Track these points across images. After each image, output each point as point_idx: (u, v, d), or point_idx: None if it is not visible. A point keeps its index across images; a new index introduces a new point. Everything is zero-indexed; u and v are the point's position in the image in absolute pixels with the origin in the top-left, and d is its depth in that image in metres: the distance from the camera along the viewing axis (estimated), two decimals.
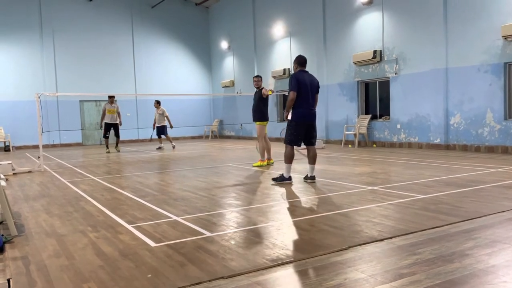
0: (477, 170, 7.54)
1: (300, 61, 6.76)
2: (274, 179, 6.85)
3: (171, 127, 15.47)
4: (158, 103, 15.42)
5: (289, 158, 6.67)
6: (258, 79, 9.40)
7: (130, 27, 20.79)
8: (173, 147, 15.36)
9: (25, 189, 7.17)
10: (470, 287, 2.60)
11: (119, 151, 14.93)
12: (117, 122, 14.70)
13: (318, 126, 15.87)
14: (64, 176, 8.73)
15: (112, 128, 14.65)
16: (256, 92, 9.32)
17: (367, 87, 14.49)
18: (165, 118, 15.27)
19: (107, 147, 14.82)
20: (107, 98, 14.68)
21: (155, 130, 15.59)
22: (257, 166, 9.12)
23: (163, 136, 15.58)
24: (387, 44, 13.14)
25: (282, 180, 6.70)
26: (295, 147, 6.77)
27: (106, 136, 14.72)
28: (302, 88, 6.49)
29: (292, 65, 6.95)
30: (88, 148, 18.13)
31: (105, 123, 14.55)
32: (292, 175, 6.96)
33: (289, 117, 6.67)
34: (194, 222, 4.42)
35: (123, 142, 18.69)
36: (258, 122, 9.25)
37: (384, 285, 2.67)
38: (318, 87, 6.82)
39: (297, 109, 6.56)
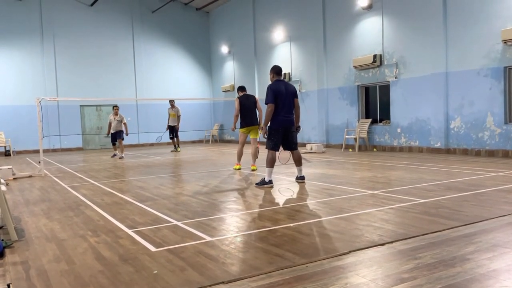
0: (477, 174, 7.53)
1: (276, 71, 7.05)
2: (257, 184, 7.01)
3: (127, 134, 14.54)
4: (118, 109, 14.54)
5: (270, 163, 6.92)
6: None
7: (131, 31, 20.85)
8: (120, 157, 13.99)
9: (25, 193, 7.16)
10: None
11: (179, 151, 15.81)
12: (175, 124, 15.82)
13: (319, 130, 16.10)
14: (65, 180, 8.73)
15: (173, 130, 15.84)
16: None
17: (367, 91, 14.50)
18: (123, 124, 14.42)
19: (174, 146, 16.03)
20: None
21: (111, 137, 14.61)
22: (236, 169, 9.45)
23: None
24: (387, 48, 13.17)
25: (263, 184, 6.89)
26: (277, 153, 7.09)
27: (171, 137, 15.99)
28: (279, 97, 6.80)
29: (269, 75, 7.24)
30: (88, 152, 18.14)
31: (169, 125, 15.84)
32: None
33: (266, 133, 7.06)
34: (194, 227, 4.41)
35: (124, 147, 18.71)
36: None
37: None
38: (295, 93, 7.08)
39: (275, 117, 6.88)
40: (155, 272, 3.13)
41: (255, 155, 9.29)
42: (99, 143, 20.33)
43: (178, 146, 16.12)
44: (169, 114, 15.94)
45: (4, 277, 3.17)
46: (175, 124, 15.89)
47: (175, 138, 16.04)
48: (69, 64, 19.42)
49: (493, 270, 2.91)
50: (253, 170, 9.14)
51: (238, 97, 9.31)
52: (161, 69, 21.60)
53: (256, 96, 9.63)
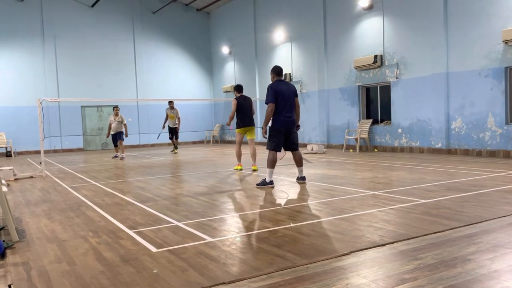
0: (478, 174, 7.52)
1: (277, 71, 7.06)
2: (257, 184, 7.00)
3: (126, 135, 14.46)
4: (118, 110, 14.44)
5: (271, 163, 6.90)
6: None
7: (132, 32, 20.87)
8: (121, 158, 14.03)
9: (26, 194, 7.17)
10: None
11: (175, 152, 15.84)
12: (176, 126, 15.79)
13: (320, 130, 16.10)
14: (66, 181, 8.74)
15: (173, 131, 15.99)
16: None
17: (368, 91, 14.50)
18: (123, 126, 14.34)
19: (175, 147, 16.22)
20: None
21: (111, 138, 14.59)
22: (237, 169, 9.46)
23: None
24: (388, 49, 13.17)
25: (264, 185, 6.88)
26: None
27: (170, 138, 16.09)
28: (280, 97, 6.78)
29: (270, 75, 7.23)
30: (89, 153, 18.16)
31: (169, 126, 15.87)
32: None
33: (267, 133, 7.04)
34: (195, 227, 4.41)
35: (124, 147, 18.74)
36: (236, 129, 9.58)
37: None
38: (296, 92, 7.08)
39: (276, 117, 6.85)
40: (155, 271, 3.13)
41: (254, 155, 9.35)
42: (100, 144, 20.33)
43: (176, 148, 16.14)
44: (167, 115, 15.84)
45: (5, 278, 3.17)
46: (176, 126, 15.90)
47: (174, 139, 16.06)
48: (70, 65, 19.44)
49: (494, 271, 2.91)
50: (254, 170, 9.17)
51: (235, 98, 9.36)
52: (162, 70, 21.62)
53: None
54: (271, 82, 7.07)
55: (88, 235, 4.28)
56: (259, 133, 17.80)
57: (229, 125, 9.79)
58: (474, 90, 10.93)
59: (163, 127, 16.07)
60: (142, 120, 21.06)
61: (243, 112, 9.24)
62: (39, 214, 5.46)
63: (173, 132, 15.94)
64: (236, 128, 9.40)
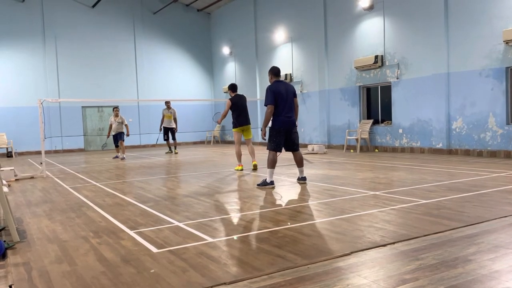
0: (479, 175, 7.52)
1: (275, 72, 7.07)
2: (258, 185, 7.00)
3: (128, 135, 14.46)
4: (118, 110, 14.39)
5: (271, 164, 6.90)
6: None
7: (132, 33, 20.89)
8: (122, 158, 14.04)
9: (27, 195, 7.18)
10: None
11: (176, 153, 15.70)
12: (173, 126, 15.79)
13: (321, 131, 16.08)
14: (66, 182, 8.74)
15: (169, 132, 15.81)
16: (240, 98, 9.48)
17: (368, 92, 14.50)
18: (124, 126, 14.32)
19: (170, 148, 16.09)
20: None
21: (112, 138, 14.63)
22: (238, 170, 9.46)
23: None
24: (389, 49, 13.16)
25: (265, 185, 6.87)
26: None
27: (165, 139, 15.95)
28: (279, 98, 6.78)
29: (268, 76, 7.25)
30: (90, 153, 18.16)
31: (164, 127, 15.75)
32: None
33: (266, 135, 7.05)
34: (196, 228, 4.41)
35: (125, 148, 18.73)
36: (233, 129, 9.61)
37: None
38: (295, 92, 7.07)
39: (276, 118, 6.85)
40: (152, 271, 3.14)
41: (253, 153, 9.50)
42: (100, 144, 20.34)
43: (176, 148, 16.05)
44: (163, 115, 15.75)
45: (6, 278, 3.18)
46: (173, 126, 15.80)
47: (171, 140, 15.89)
48: (70, 65, 19.46)
49: (495, 271, 2.90)
50: (254, 165, 9.31)
51: (230, 99, 9.41)
52: (162, 70, 21.63)
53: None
54: (269, 83, 7.07)
55: (89, 236, 4.29)
56: (258, 133, 17.80)
57: (219, 123, 9.94)
58: (475, 90, 10.92)
59: (160, 129, 15.90)
60: (143, 121, 21.07)
61: (239, 111, 9.28)
62: (40, 214, 5.47)
63: (169, 133, 15.81)
64: (233, 127, 9.45)
